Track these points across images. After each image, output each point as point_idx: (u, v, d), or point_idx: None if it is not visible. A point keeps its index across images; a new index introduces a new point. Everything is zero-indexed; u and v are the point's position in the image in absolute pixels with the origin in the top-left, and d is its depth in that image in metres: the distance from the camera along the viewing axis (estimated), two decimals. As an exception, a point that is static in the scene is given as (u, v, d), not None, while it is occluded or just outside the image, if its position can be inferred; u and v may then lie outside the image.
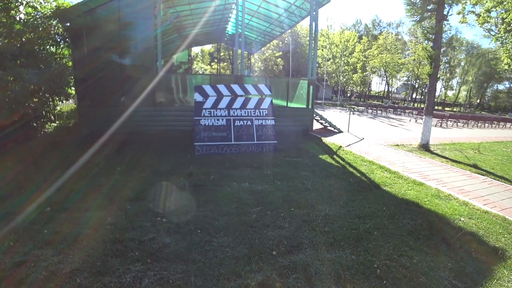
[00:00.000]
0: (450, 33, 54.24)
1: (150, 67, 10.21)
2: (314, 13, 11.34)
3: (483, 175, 7.18)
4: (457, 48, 56.46)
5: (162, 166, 6.10)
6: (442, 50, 56.45)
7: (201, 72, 39.60)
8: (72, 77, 8.82)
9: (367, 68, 43.44)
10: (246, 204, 4.01)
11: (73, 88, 9.42)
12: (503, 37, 15.04)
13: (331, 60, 39.58)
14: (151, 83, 10.04)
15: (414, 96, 59.90)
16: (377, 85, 70.69)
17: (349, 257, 2.72)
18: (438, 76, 62.42)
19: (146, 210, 4.01)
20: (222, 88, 8.15)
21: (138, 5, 9.53)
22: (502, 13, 13.82)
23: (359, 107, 30.98)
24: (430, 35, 10.32)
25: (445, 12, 10.26)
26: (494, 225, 4.16)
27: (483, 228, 4.03)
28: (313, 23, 11.62)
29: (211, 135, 7.75)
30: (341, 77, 39.97)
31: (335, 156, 7.42)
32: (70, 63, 9.36)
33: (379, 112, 27.57)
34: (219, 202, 4.15)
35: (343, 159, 7.14)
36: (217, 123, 7.87)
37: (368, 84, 56.68)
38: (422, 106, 57.02)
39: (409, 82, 57.35)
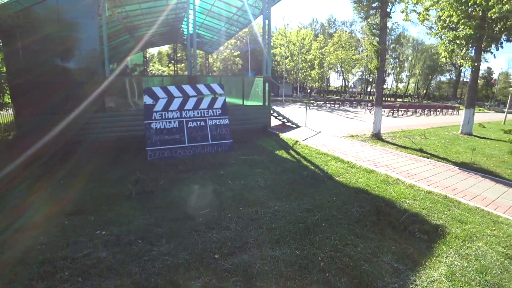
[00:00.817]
0: (398, 30, 58.18)
1: (96, 70, 9.54)
2: (267, 11, 11.38)
3: (428, 158, 7.64)
4: (405, 44, 60.73)
5: (111, 175, 5.68)
6: (391, 46, 59.91)
7: (157, 74, 38.32)
8: (6, 84, 7.97)
9: (324, 64, 44.91)
10: (194, 207, 3.82)
11: (9, 97, 8.54)
12: (440, 33, 16.30)
13: (289, 58, 40.34)
14: (99, 87, 9.40)
15: (369, 89, 63.20)
16: (335, 80, 73.44)
17: (294, 252, 2.65)
18: (391, 70, 66.16)
19: (86, 224, 3.67)
20: (173, 89, 7.83)
21: (79, 4, 8.85)
22: (439, 11, 14.95)
23: (318, 102, 31.90)
24: (376, 31, 10.81)
25: (388, 10, 10.80)
26: (436, 204, 4.38)
27: (426, 208, 4.22)
28: (266, 21, 11.66)
29: (163, 138, 7.42)
30: (300, 74, 40.90)
31: (291, 151, 7.45)
32: (4, 69, 8.45)
33: (337, 106, 28.58)
34: (166, 208, 3.92)
35: (298, 153, 7.19)
36: (169, 125, 7.55)
37: (326, 79, 58.68)
38: (377, 98, 60.32)
39: (363, 77, 60.44)
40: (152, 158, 7.13)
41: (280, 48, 39.24)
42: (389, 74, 66.41)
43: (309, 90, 62.32)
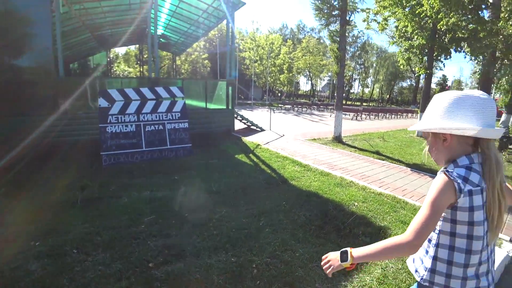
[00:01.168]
0: (363, 38, 61.08)
1: (49, 70, 8.97)
2: (230, 15, 11.39)
3: (383, 160, 7.97)
4: (370, 51, 63.87)
5: (60, 181, 5.34)
6: (357, 53, 62.42)
7: (123, 75, 36.94)
8: None
9: (293, 69, 45.82)
10: (140, 214, 3.68)
11: None
12: (398, 42, 17.32)
13: (259, 62, 40.71)
14: (53, 88, 8.87)
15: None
16: (305, 84, 75.19)
17: (229, 260, 2.61)
18: (357, 76, 68.89)
19: (22, 235, 3.41)
20: (130, 92, 7.56)
21: (29, -2, 8.30)
22: (396, 22, 15.89)
23: (286, 106, 32.42)
24: (336, 38, 11.21)
25: (347, 18, 11.24)
26: (383, 206, 4.54)
27: (374, 210, 4.35)
28: (230, 25, 11.66)
29: (119, 143, 7.13)
30: (269, 78, 41.38)
31: (251, 155, 7.47)
32: None
33: (304, 109, 29.22)
34: (110, 215, 3.74)
35: (258, 157, 7.22)
36: (126, 129, 7.27)
37: (295, 84, 59.92)
38: (343, 102, 62.50)
39: (331, 81, 62.43)
40: (107, 163, 6.83)
41: (250, 51, 39.50)
42: (355, 79, 69.35)
43: (279, 94, 63.26)
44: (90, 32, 18.82)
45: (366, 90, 73.03)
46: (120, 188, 4.87)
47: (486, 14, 16.13)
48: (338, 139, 10.64)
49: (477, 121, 1.09)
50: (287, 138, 10.57)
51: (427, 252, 1.22)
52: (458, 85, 71.26)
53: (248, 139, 9.78)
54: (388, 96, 71.12)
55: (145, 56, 41.93)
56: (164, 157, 7.37)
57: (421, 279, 1.22)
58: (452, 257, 1.14)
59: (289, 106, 30.74)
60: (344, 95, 68.09)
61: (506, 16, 15.79)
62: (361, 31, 57.64)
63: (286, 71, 44.72)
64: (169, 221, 3.41)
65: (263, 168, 6.28)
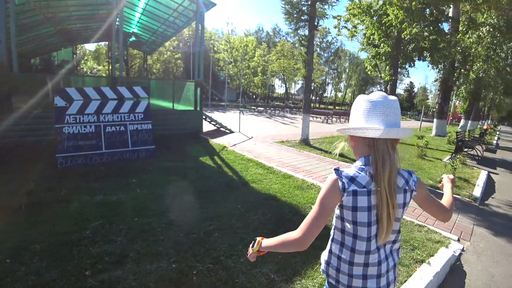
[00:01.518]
0: (337, 44, 62.91)
1: (1, 65, 8.39)
2: (201, 16, 11.28)
3: (347, 162, 8.20)
4: (343, 57, 65.83)
5: (7, 186, 4.99)
6: (331, 58, 63.93)
7: (92, 73, 35.41)
8: None
9: (267, 72, 46.20)
10: (88, 219, 3.52)
11: None
12: (366, 49, 18.00)
13: (233, 64, 40.64)
14: (5, 85, 8.30)
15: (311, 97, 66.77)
16: (279, 87, 76.07)
17: (170, 266, 2.53)
18: (330, 80, 70.52)
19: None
20: (90, 91, 7.24)
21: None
22: (364, 29, 16.54)
23: (259, 108, 32.60)
24: (305, 42, 11.44)
25: (316, 23, 11.50)
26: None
27: (329, 212, 4.47)
28: (199, 25, 11.56)
29: (77, 144, 6.79)
30: (243, 80, 41.41)
31: (215, 157, 7.41)
32: None
33: (277, 112, 29.52)
34: (56, 221, 3.54)
35: (222, 160, 7.18)
36: (84, 130, 6.95)
37: (271, 86, 60.48)
38: (316, 105, 63.87)
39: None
40: (63, 165, 6.49)
41: (224, 53, 39.35)
42: (328, 83, 71.16)
43: (254, 96, 63.48)
44: (53, 26, 17.87)
45: (339, 94, 75.21)
46: (71, 192, 4.64)
47: (446, 27, 17.19)
48: (305, 142, 10.83)
49: (366, 122, 1.13)
50: (255, 140, 10.61)
51: (327, 245, 1.28)
52: (424, 91, 75.52)
53: (215, 141, 9.71)
54: (359, 100, 73.65)
55: (116, 54, 40.43)
56: (126, 159, 7.13)
57: (322, 269, 1.31)
58: (341, 253, 1.19)
59: (261, 109, 30.93)
60: (317, 98, 69.81)
61: (463, 29, 16.94)
62: (335, 37, 59.39)
63: (260, 74, 45.00)
64: (117, 226, 3.29)
65: (225, 170, 6.25)
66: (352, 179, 1.11)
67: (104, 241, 2.92)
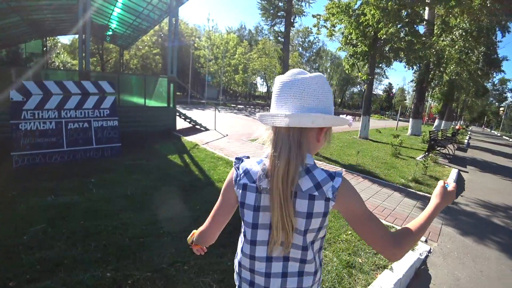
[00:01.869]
0: (319, 45, 63.53)
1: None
2: (174, 10, 10.94)
3: (321, 161, 8.17)
4: (324, 57, 66.55)
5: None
6: (313, 58, 64.59)
7: (64, 67, 33.95)
8: None
9: (248, 70, 45.98)
10: (31, 222, 3.23)
11: None
12: (344, 48, 18.16)
13: (213, 61, 40.14)
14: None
15: (292, 96, 67.17)
16: (261, 86, 76.02)
17: (105, 275, 2.31)
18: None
19: None
20: (50, 85, 6.80)
21: None
22: (341, 28, 16.66)
23: (239, 106, 32.35)
24: (281, 39, 11.35)
25: (292, 20, 11.44)
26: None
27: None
28: (173, 19, 11.22)
29: (35, 141, 6.35)
30: (223, 77, 41.00)
31: (185, 155, 7.16)
32: None
33: (257, 110, 29.42)
34: (-7, 226, 3.24)
35: (192, 158, 6.94)
36: (44, 127, 6.52)
37: (252, 84, 60.30)
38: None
39: (287, 84, 63.92)
40: (19, 164, 6.05)
41: (205, 50, 38.77)
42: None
43: (237, 95, 63.12)
44: (20, 16, 16.87)
45: (320, 94, 76.17)
46: (22, 193, 4.29)
47: (422, 29, 17.60)
48: (281, 140, 10.75)
49: (273, 107, 0.95)
50: (230, 138, 10.42)
51: None
52: (402, 92, 77.69)
53: (188, 139, 9.43)
54: (340, 100, 74.84)
55: (92, 48, 39.02)
56: (89, 157, 6.76)
57: None
58: (240, 246, 1.05)
59: (241, 106, 30.71)
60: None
61: (438, 32, 17.42)
62: (317, 37, 59.90)
63: (241, 72, 44.72)
64: (60, 230, 3.02)
65: (192, 169, 6.02)
66: (246, 172, 0.97)
67: (41, 247, 2.65)
